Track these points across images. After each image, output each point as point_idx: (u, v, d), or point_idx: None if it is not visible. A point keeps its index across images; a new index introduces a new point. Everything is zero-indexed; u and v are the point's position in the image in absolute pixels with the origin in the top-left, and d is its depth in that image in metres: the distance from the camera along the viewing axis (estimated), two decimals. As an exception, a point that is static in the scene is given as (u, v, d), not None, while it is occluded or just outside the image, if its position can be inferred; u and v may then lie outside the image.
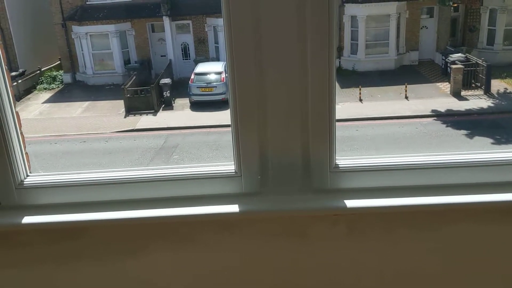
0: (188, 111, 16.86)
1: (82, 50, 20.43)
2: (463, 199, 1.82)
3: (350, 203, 1.82)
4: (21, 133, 1.94)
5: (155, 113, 16.65)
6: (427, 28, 20.59)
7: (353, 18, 20.00)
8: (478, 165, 1.88)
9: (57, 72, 20.85)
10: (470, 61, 17.42)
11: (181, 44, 20.99)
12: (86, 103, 17.98)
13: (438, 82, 17.97)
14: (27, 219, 1.85)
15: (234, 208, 1.83)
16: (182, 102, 17.38)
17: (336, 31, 19.36)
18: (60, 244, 1.91)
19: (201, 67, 18.25)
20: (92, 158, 13.40)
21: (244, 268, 1.95)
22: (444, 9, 19.68)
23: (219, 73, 17.43)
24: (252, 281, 1.96)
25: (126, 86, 17.15)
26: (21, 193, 1.90)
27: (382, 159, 1.91)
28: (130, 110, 16.62)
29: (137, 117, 16.32)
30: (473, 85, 16.94)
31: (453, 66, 16.89)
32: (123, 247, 1.92)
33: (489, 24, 19.62)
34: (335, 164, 1.87)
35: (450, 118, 14.79)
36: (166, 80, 17.45)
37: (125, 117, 16.43)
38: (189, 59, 20.83)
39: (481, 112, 15.30)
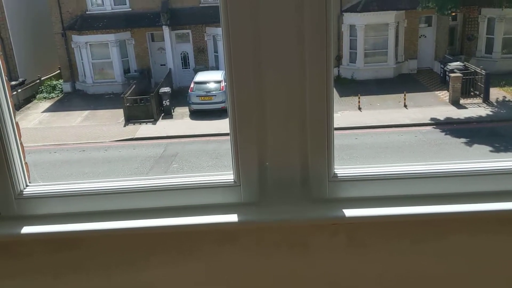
0: (187, 119, 16.89)
1: (82, 59, 20.51)
2: (464, 208, 1.82)
3: (349, 212, 1.83)
4: (21, 143, 1.94)
5: (154, 122, 16.67)
6: (425, 37, 20.69)
7: (352, 27, 20.10)
8: (478, 174, 1.88)
9: (57, 81, 20.90)
10: (468, 70, 17.48)
11: (181, 53, 21.08)
12: (86, 112, 18.01)
13: (437, 90, 18.02)
14: (27, 229, 1.85)
15: (233, 218, 1.83)
16: (181, 111, 17.41)
17: (334, 40, 19.48)
18: (59, 255, 1.91)
19: (200, 76, 18.30)
20: (92, 167, 13.39)
21: (243, 278, 1.95)
22: (443, 18, 19.79)
23: (219, 82, 17.48)
24: (251, 291, 1.96)
25: (126, 95, 17.19)
26: (21, 204, 1.90)
27: (380, 168, 1.92)
28: (130, 119, 16.64)
29: (137, 126, 16.33)
30: (472, 93, 16.99)
31: (452, 75, 16.95)
32: (122, 257, 1.91)
33: (487, 32, 19.71)
34: (334, 174, 1.88)
35: (449, 127, 14.81)
36: (166, 89, 17.49)
37: (124, 126, 16.44)
38: (189, 68, 20.90)
39: (480, 120, 15.33)
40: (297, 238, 1.89)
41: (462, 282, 1.94)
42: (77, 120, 17.36)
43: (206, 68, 20.32)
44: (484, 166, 1.90)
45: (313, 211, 1.85)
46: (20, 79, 19.43)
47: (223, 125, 14.87)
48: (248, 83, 1.75)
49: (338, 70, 19.95)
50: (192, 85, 17.62)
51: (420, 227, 1.87)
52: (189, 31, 20.82)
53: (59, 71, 21.35)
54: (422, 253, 1.90)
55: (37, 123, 17.32)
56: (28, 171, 1.97)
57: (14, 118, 1.90)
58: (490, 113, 15.74)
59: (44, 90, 20.15)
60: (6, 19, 19.63)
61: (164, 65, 20.86)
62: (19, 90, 18.62)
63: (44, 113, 18.29)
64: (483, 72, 16.85)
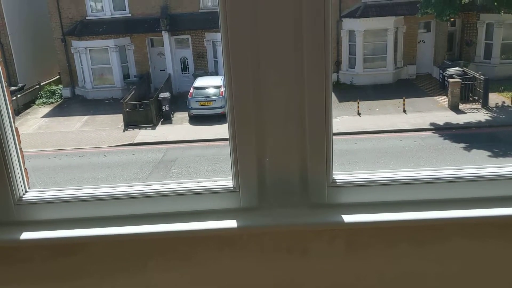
0: (187, 125, 16.90)
1: (81, 65, 20.55)
2: (463, 213, 1.83)
3: (348, 218, 1.83)
4: (20, 149, 1.94)
5: (154, 127, 16.68)
6: (424, 42, 20.76)
7: (351, 33, 20.16)
8: (476, 179, 1.89)
9: (57, 87, 20.94)
10: (467, 75, 17.53)
11: (180, 59, 21.13)
12: (85, 117, 18.02)
13: (436, 95, 18.07)
14: (26, 235, 1.85)
15: (232, 223, 1.83)
16: (181, 116, 17.44)
17: (333, 45, 19.53)
18: (58, 260, 1.91)
19: (200, 81, 18.34)
20: (91, 172, 13.39)
21: (242, 283, 1.95)
22: (441, 24, 19.86)
23: (218, 87, 17.51)
24: (251, 297, 1.95)
25: (125, 100, 17.21)
26: (20, 209, 1.90)
27: (379, 174, 1.92)
28: (129, 124, 16.65)
29: (136, 131, 16.34)
30: (471, 98, 17.02)
31: (451, 80, 16.99)
32: (121, 263, 1.91)
33: (486, 38, 19.78)
34: (333, 179, 1.88)
35: (448, 132, 14.83)
36: (165, 94, 17.52)
37: (124, 131, 16.46)
38: (188, 73, 20.95)
39: (479, 125, 15.36)
40: (296, 244, 1.89)
41: (462, 286, 1.94)
42: (76, 125, 17.37)
43: (206, 73, 20.37)
44: (482, 172, 1.91)
45: (312, 217, 1.85)
46: (20, 85, 19.46)
47: (222, 130, 14.89)
48: (247, 88, 1.75)
49: (337, 75, 20.00)
50: (191, 90, 17.65)
51: (419, 232, 1.87)
52: (188, 36, 20.88)
53: (58, 76, 21.39)
54: (421, 258, 1.90)
55: (36, 128, 17.32)
56: (27, 176, 1.97)
57: (14, 123, 1.90)
58: (489, 118, 15.77)
59: (43, 96, 20.18)
60: (6, 24, 19.69)
61: (164, 70, 20.91)
62: (19, 96, 18.65)
63: (44, 119, 18.30)
64: (482, 77, 16.90)
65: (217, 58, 20.15)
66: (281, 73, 1.75)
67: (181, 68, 21.14)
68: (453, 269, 1.91)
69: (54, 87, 20.80)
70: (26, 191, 1.94)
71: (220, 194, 1.90)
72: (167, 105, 17.22)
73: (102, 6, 21.00)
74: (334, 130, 1.86)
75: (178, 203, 1.90)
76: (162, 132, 16.30)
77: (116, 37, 20.58)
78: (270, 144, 1.82)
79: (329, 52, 1.73)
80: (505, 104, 16.67)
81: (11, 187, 1.87)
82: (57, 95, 20.49)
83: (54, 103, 20.00)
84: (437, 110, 16.55)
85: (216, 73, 20.10)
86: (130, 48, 20.88)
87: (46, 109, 19.29)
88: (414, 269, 1.91)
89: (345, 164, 12.23)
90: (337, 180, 1.88)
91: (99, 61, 20.68)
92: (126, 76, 20.81)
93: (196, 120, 16.92)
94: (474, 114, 16.06)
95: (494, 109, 16.35)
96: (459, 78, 17.05)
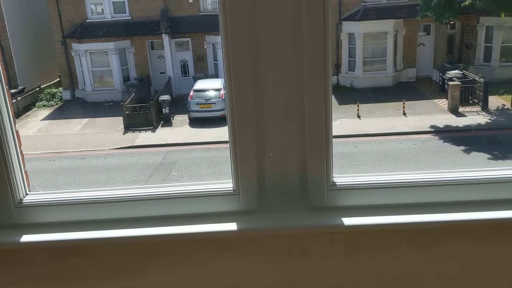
0: (187, 127, 16.91)
1: (81, 67, 20.57)
2: (463, 216, 1.83)
3: (348, 221, 1.83)
4: (21, 151, 1.95)
5: (154, 129, 16.69)
6: (424, 45, 20.78)
7: (351, 36, 20.19)
8: (476, 182, 1.89)
9: (57, 89, 20.95)
10: (467, 78, 17.54)
11: (180, 61, 21.14)
12: (85, 120, 18.03)
13: (436, 98, 18.07)
14: (26, 238, 1.85)
15: (232, 226, 1.83)
16: (181, 119, 17.44)
17: (333, 48, 19.56)
18: (59, 263, 1.91)
19: (200, 84, 18.35)
20: (91, 175, 13.38)
21: (242, 285, 1.95)
22: (441, 27, 19.89)
23: (218, 90, 17.52)
24: (251, 299, 1.95)
25: (125, 103, 17.21)
26: (20, 212, 1.90)
27: (379, 176, 1.92)
28: (129, 126, 16.66)
29: (136, 133, 16.35)
30: (471, 101, 17.03)
31: (451, 83, 17.00)
32: (121, 265, 1.91)
33: (485, 41, 19.80)
34: (332, 182, 1.88)
35: (448, 135, 14.83)
36: (165, 97, 17.53)
37: (124, 133, 16.46)
38: (188, 76, 20.96)
39: (479, 128, 15.37)
40: (296, 246, 1.89)
41: (461, 290, 1.94)
42: (76, 128, 17.37)
43: (206, 76, 20.38)
44: (482, 174, 1.91)
45: (311, 219, 1.85)
46: (20, 87, 19.48)
47: (222, 132, 14.89)
48: (247, 91, 1.76)
49: (337, 78, 20.02)
50: (191, 93, 17.66)
51: (419, 235, 1.87)
52: (188, 39, 20.90)
53: (58, 79, 21.41)
54: (421, 261, 1.90)
55: (36, 131, 17.33)
56: (27, 179, 1.98)
57: (14, 126, 1.91)
58: (489, 121, 15.78)
59: (43, 98, 20.19)
60: (6, 27, 19.71)
61: (164, 73, 20.93)
62: (19, 98, 18.66)
63: (44, 121, 18.31)
64: (482, 80, 16.91)
65: (217, 60, 20.17)
66: (281, 74, 1.75)
67: (181, 70, 21.16)
68: (452, 271, 1.91)
69: (54, 90, 20.82)
70: (26, 194, 1.95)
71: (220, 197, 1.90)
72: (167, 108, 17.23)
73: (102, 9, 21.03)
74: (334, 133, 1.86)
75: (178, 206, 1.90)
76: (162, 134, 16.30)
77: (116, 40, 20.60)
78: (270, 146, 1.82)
79: (328, 53, 1.73)
80: (505, 107, 16.68)
81: (11, 189, 1.88)
82: (57, 98, 20.51)
83: (54, 105, 20.01)
84: (437, 113, 16.56)
85: (216, 75, 20.12)
86: (130, 51, 20.90)
87: (46, 112, 19.30)
88: (413, 271, 1.91)
89: (345, 167, 12.24)
90: (337, 183, 1.88)
91: (99, 63, 20.70)
92: (126, 78, 20.82)
93: (196, 122, 16.93)
94: (474, 117, 16.07)
95: (494, 111, 16.36)
96: (459, 81, 17.07)
